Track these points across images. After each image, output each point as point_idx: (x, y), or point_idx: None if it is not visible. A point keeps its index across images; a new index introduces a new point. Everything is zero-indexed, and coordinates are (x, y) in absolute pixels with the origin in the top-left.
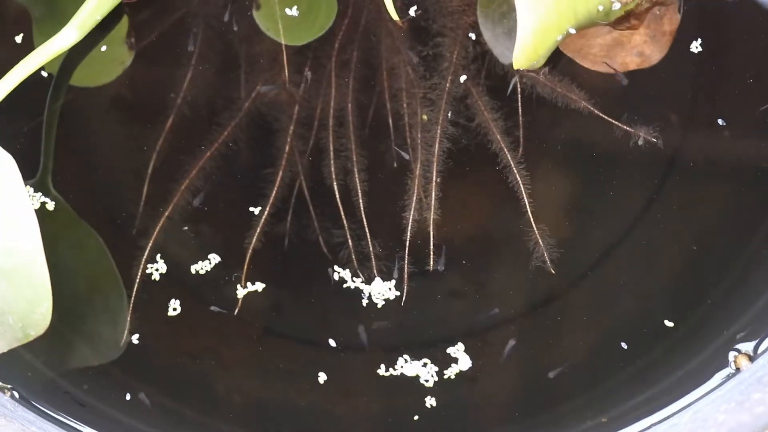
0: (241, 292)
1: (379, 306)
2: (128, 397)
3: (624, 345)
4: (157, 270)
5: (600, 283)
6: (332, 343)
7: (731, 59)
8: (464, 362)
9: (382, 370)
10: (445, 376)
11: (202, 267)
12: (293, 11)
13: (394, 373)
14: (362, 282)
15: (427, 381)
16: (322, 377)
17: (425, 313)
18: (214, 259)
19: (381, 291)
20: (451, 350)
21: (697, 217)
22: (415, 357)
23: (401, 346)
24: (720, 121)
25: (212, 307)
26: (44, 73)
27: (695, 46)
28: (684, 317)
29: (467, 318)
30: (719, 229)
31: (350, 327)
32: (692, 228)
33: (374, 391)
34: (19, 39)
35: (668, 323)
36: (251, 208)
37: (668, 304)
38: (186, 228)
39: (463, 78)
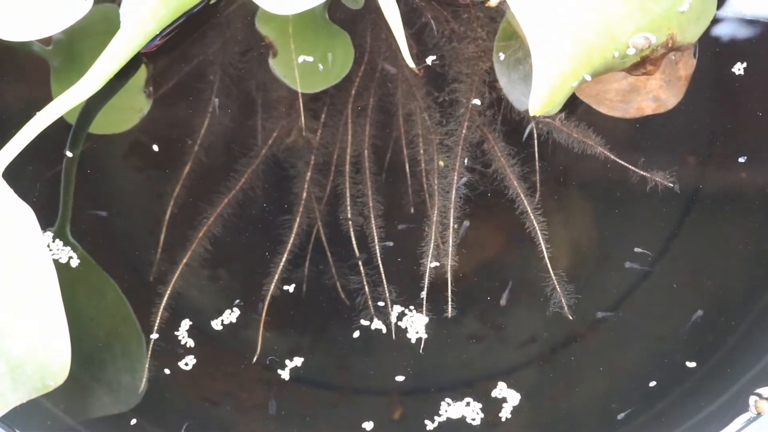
0: (284, 373)
1: (398, 352)
2: None
3: (648, 385)
4: (183, 332)
5: (617, 326)
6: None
7: (747, 101)
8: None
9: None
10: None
11: (223, 316)
12: (309, 58)
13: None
14: (378, 326)
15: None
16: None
17: (444, 357)
18: (233, 308)
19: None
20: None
21: (715, 259)
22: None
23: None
24: (740, 160)
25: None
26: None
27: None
28: (703, 360)
29: (486, 361)
30: (737, 271)
31: (366, 370)
32: (710, 270)
33: None
34: (38, 89)
35: (689, 364)
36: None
37: (687, 347)
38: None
39: (476, 101)
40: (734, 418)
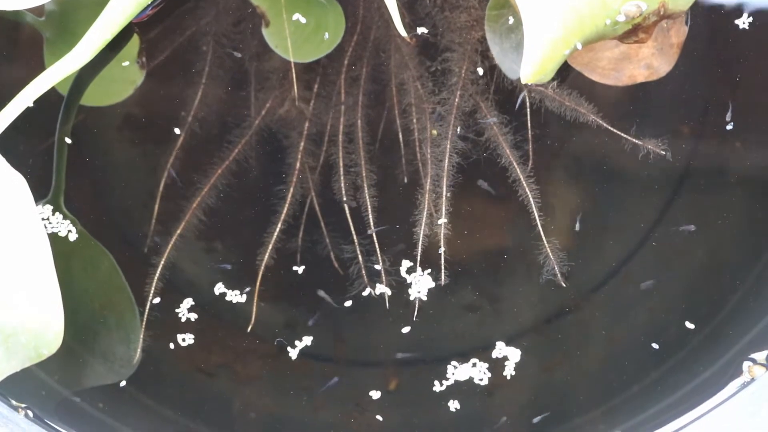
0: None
1: (392, 320)
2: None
3: (642, 353)
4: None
5: (612, 295)
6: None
7: (740, 69)
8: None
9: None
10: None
11: (216, 287)
12: (303, 20)
13: (404, 388)
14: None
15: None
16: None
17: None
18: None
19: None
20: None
21: (710, 228)
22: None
23: (415, 361)
24: (729, 127)
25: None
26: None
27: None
28: (697, 328)
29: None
30: (732, 239)
31: (362, 341)
32: (704, 239)
33: (389, 406)
34: (30, 60)
35: (688, 325)
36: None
37: (681, 315)
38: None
39: (480, 71)
40: (728, 383)
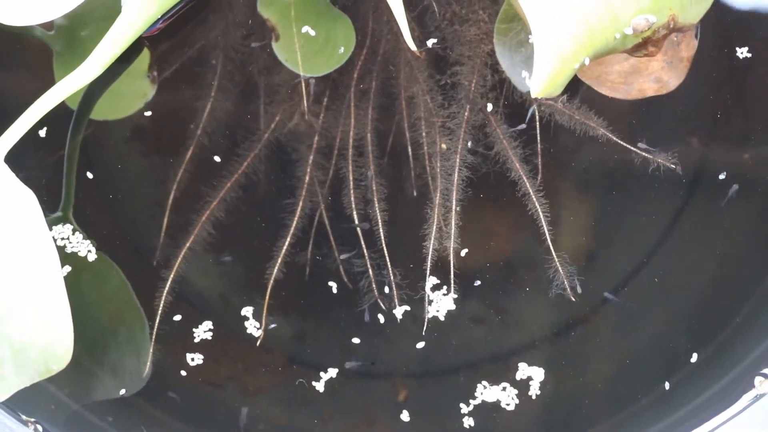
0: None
1: (402, 333)
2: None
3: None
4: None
5: (621, 308)
6: (353, 369)
7: (749, 83)
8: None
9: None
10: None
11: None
12: (312, 32)
13: (415, 400)
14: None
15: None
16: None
17: (448, 340)
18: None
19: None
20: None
21: (719, 241)
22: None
23: (423, 373)
24: (741, 143)
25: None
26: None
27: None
28: (707, 342)
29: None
30: (742, 252)
31: (370, 353)
32: (714, 253)
33: (394, 418)
34: (40, 74)
35: (693, 352)
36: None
37: (691, 328)
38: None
39: (489, 107)
40: (740, 397)
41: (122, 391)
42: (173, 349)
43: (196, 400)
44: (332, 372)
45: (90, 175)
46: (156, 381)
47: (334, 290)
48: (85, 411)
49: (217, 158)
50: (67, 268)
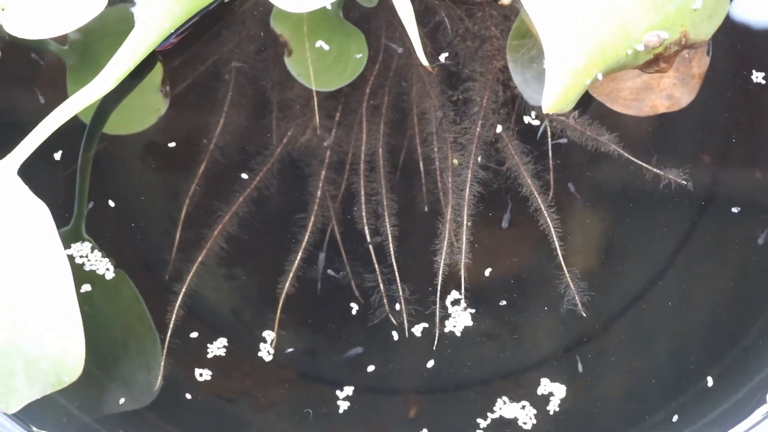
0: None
1: (411, 349)
2: None
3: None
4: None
5: (633, 324)
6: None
7: (762, 101)
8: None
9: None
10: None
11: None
12: (326, 47)
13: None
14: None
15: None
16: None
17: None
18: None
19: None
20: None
21: (731, 257)
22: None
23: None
24: (753, 161)
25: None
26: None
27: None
28: (719, 357)
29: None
30: (753, 268)
31: (380, 369)
32: (726, 268)
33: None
34: (54, 88)
35: (705, 368)
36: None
37: (702, 344)
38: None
39: (499, 129)
40: (752, 412)
41: (133, 405)
42: (185, 363)
43: (207, 414)
44: (347, 390)
45: (102, 190)
46: (167, 394)
47: (347, 305)
48: (96, 424)
49: (229, 173)
50: (87, 287)
